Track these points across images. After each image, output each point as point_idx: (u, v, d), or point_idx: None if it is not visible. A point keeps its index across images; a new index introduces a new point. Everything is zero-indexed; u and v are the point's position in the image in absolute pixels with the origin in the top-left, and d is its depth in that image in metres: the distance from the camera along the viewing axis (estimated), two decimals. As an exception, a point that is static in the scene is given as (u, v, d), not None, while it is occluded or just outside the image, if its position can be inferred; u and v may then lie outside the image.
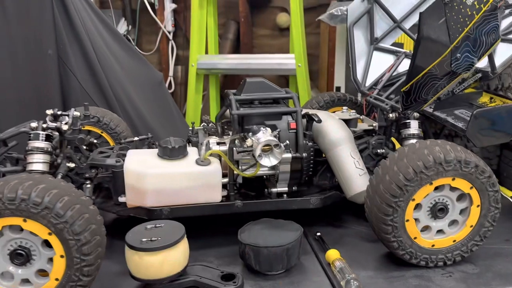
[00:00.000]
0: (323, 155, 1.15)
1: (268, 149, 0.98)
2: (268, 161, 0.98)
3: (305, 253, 1.00)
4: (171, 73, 2.84)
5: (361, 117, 1.21)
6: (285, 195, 1.09)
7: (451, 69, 0.99)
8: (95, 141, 1.18)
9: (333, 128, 1.11)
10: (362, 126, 1.19)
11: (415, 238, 0.92)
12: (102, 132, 1.31)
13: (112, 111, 1.43)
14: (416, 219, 0.92)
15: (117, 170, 1.02)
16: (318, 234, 1.07)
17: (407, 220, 0.90)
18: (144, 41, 2.83)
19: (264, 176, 1.13)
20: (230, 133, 1.10)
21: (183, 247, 0.88)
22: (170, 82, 2.80)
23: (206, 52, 2.35)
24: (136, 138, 1.21)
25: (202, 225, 1.06)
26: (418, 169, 0.87)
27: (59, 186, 0.80)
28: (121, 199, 1.03)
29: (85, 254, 0.78)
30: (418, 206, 0.92)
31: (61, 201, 0.77)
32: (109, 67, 1.63)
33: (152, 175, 0.98)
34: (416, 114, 1.12)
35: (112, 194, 1.05)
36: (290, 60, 2.09)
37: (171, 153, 1.02)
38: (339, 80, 2.38)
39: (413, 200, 0.90)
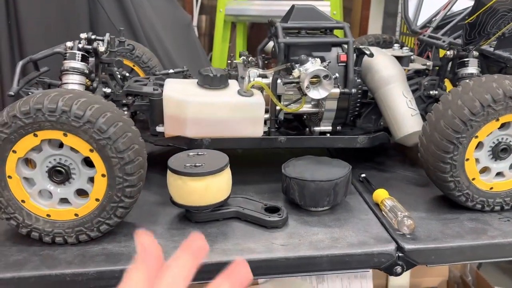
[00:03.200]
0: (368, 97, 1.08)
1: (316, 81, 0.91)
2: (317, 93, 0.92)
3: (349, 193, 0.94)
4: (195, 22, 2.74)
5: (412, 56, 1.13)
6: (328, 134, 1.03)
7: (524, -1, 0.89)
8: (127, 74, 1.12)
9: (385, 64, 1.03)
10: (415, 65, 1.11)
11: (473, 179, 0.86)
12: (134, 66, 1.25)
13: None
14: (476, 159, 0.86)
15: (155, 98, 0.96)
16: (363, 175, 1.02)
17: (467, 159, 0.84)
18: (168, -13, 2.72)
19: (304, 116, 1.07)
20: (272, 66, 1.03)
21: (227, 176, 0.83)
22: (194, 32, 2.71)
23: (235, -2, 2.24)
24: (171, 71, 1.15)
25: (240, 163, 1.02)
26: (486, 102, 0.80)
27: (100, 102, 0.75)
28: (159, 128, 0.98)
29: (128, 174, 0.73)
30: (479, 145, 0.85)
31: (104, 116, 0.72)
32: (139, 3, 1.55)
33: (193, 103, 0.92)
34: (475, 53, 1.03)
35: (149, 124, 1.00)
36: (325, 8, 1.98)
37: (212, 82, 0.95)
38: (374, 33, 2.26)
39: (476, 137, 0.83)
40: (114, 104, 0.79)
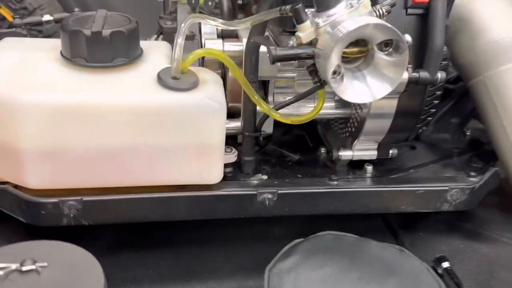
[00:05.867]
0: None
1: (365, 50, 0.36)
2: (364, 89, 0.38)
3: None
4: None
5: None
6: (370, 168, 0.49)
7: None
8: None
9: (502, 17, 0.54)
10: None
11: None
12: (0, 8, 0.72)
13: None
14: None
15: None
16: (447, 265, 0.47)
17: None
18: None
19: (319, 125, 0.54)
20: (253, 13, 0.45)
21: None
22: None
23: None
24: (49, 17, 0.58)
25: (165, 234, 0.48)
26: None
27: None
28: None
29: None
30: None
31: None
32: None
33: (36, 107, 0.38)
34: None
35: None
36: None
37: (94, 52, 0.39)
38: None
39: None
40: None
